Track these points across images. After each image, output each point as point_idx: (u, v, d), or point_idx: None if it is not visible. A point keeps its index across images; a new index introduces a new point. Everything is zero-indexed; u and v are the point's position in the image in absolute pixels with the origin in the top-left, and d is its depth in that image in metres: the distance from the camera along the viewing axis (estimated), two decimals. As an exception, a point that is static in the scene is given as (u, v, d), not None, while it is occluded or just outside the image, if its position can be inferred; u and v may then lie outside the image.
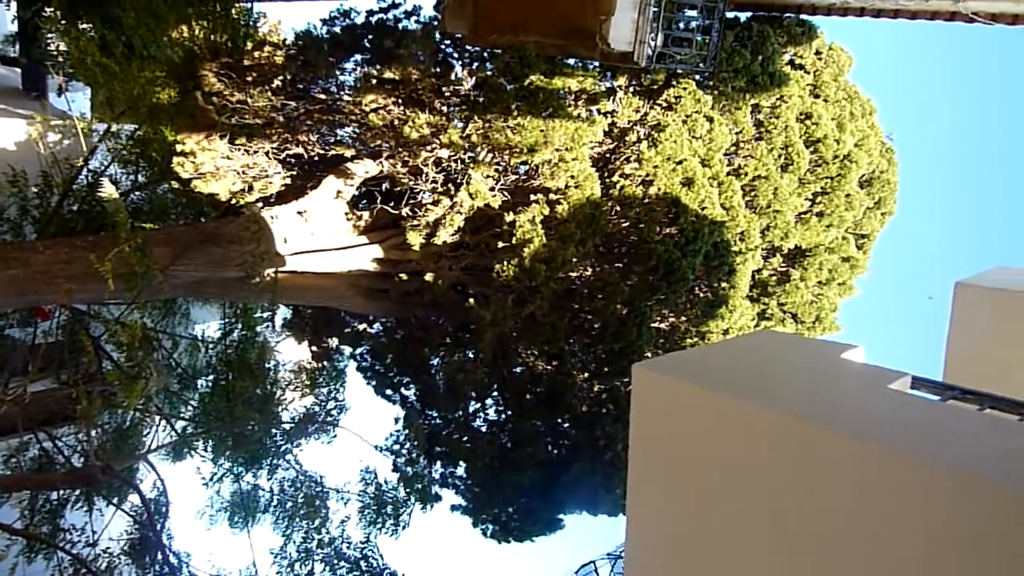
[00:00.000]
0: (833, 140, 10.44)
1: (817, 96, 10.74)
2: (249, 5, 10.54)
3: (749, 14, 10.33)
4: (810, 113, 10.36)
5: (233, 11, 9.52)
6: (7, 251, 7.76)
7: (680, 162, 9.07)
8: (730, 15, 9.64)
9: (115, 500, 9.52)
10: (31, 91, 17.55)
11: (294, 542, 9.89)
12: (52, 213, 9.79)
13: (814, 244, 10.84)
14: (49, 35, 14.24)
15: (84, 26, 10.98)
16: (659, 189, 9.00)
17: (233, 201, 9.47)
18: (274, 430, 10.27)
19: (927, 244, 31.82)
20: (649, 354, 9.42)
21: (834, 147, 10.46)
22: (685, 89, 9.20)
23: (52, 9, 12.05)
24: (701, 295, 10.04)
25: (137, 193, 11.17)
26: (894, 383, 3.44)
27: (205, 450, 10.52)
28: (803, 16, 10.47)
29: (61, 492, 9.51)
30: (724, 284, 9.77)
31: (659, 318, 9.99)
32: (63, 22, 11.32)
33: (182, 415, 11.10)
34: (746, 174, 9.93)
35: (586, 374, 10.27)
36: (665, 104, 9.30)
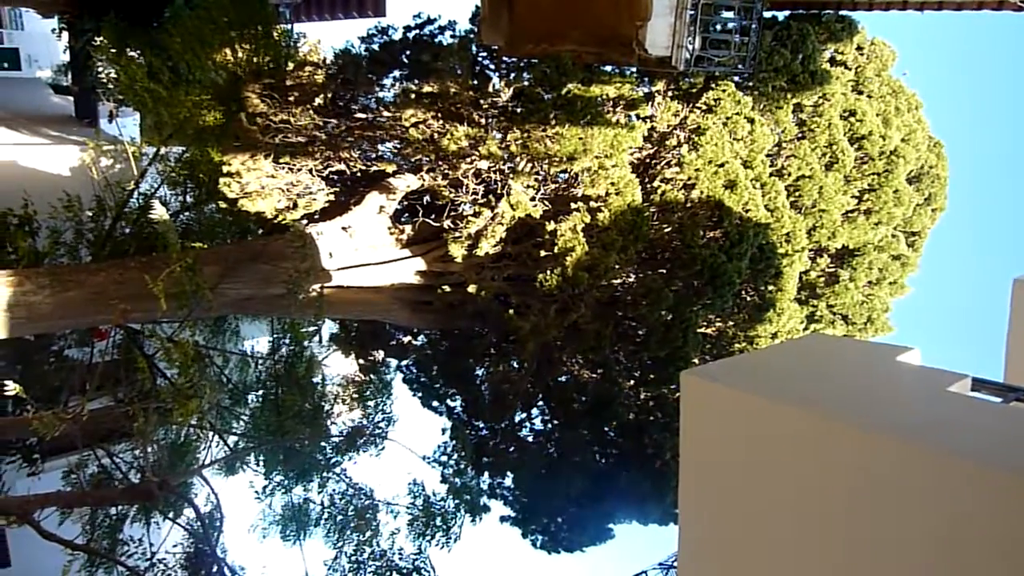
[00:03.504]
0: (878, 136, 10.22)
1: (860, 92, 10.53)
2: (290, 26, 10.76)
3: (787, 13, 10.19)
4: (854, 110, 10.16)
5: (274, 33, 9.72)
6: (64, 274, 8.00)
7: (722, 165, 8.97)
8: (768, 15, 9.52)
9: (171, 514, 9.70)
10: (83, 118, 18.18)
11: (346, 554, 9.95)
12: (106, 236, 10.07)
13: (862, 243, 10.60)
14: (99, 63, 14.72)
15: (132, 53, 11.33)
16: (701, 193, 8.91)
17: (279, 219, 9.63)
18: (323, 443, 10.38)
19: (982, 239, 30.86)
20: (696, 360, 9.31)
21: (880, 143, 10.23)
22: (724, 91, 9.11)
23: (102, 38, 12.47)
24: (748, 299, 9.89)
25: (186, 214, 11.44)
26: (953, 386, 3.33)
27: (257, 464, 10.68)
28: (843, 12, 10.28)
29: (120, 507, 9.74)
30: (771, 287, 9.61)
31: (705, 323, 9.86)
32: (112, 50, 11.70)
33: (234, 430, 11.29)
34: (790, 174, 9.78)
35: (632, 382, 10.18)
36: (704, 107, 9.21)
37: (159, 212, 8.64)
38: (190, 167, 10.97)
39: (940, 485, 2.62)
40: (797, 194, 9.86)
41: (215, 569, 8.94)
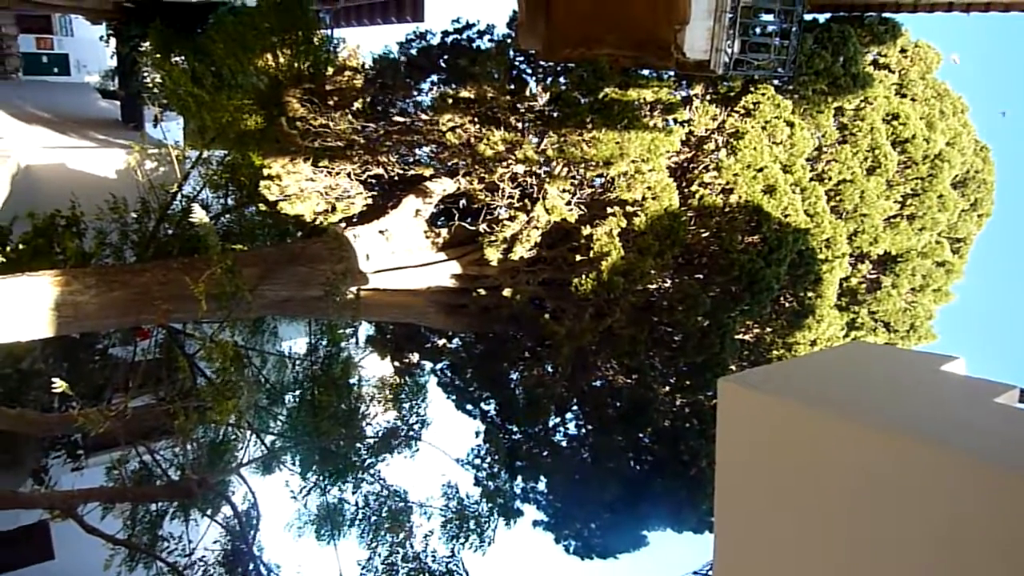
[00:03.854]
0: (922, 140, 10.01)
1: (904, 95, 10.34)
2: (329, 32, 10.89)
3: (828, 15, 10.04)
4: (897, 113, 9.98)
5: (315, 38, 9.86)
6: (110, 274, 8.19)
7: (761, 169, 8.87)
8: (808, 17, 9.39)
9: (209, 512, 9.87)
10: (129, 122, 18.64)
11: (379, 555, 10.03)
12: (150, 237, 10.29)
13: (905, 249, 10.39)
14: (145, 68, 15.07)
15: (176, 59, 11.58)
16: (739, 197, 8.81)
17: (317, 221, 9.75)
18: (359, 444, 10.48)
19: (1029, 247, 29.98)
20: (733, 367, 9.20)
21: (924, 147, 10.03)
22: (763, 95, 9.00)
23: (148, 44, 12.77)
24: (786, 305, 9.75)
25: (227, 216, 11.64)
26: (1001, 397, 3.24)
27: (293, 464, 10.82)
28: (886, 14, 10.10)
29: (160, 504, 9.94)
30: (810, 293, 9.47)
31: (743, 330, 9.75)
32: (158, 56, 11.97)
33: (271, 430, 11.45)
34: (830, 179, 9.63)
35: (667, 388, 10.10)
36: (743, 111, 9.12)
37: (200, 215, 8.81)
38: (231, 170, 11.17)
39: (987, 498, 2.56)
40: (838, 199, 9.71)
41: (252, 567, 9.08)
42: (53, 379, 6.78)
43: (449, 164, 9.60)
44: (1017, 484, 2.51)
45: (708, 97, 9.37)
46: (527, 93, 9.13)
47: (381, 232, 9.50)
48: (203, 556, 9.70)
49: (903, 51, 10.44)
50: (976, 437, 2.89)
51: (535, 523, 11.46)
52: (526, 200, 9.24)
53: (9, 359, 10.04)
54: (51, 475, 11.46)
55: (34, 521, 12.56)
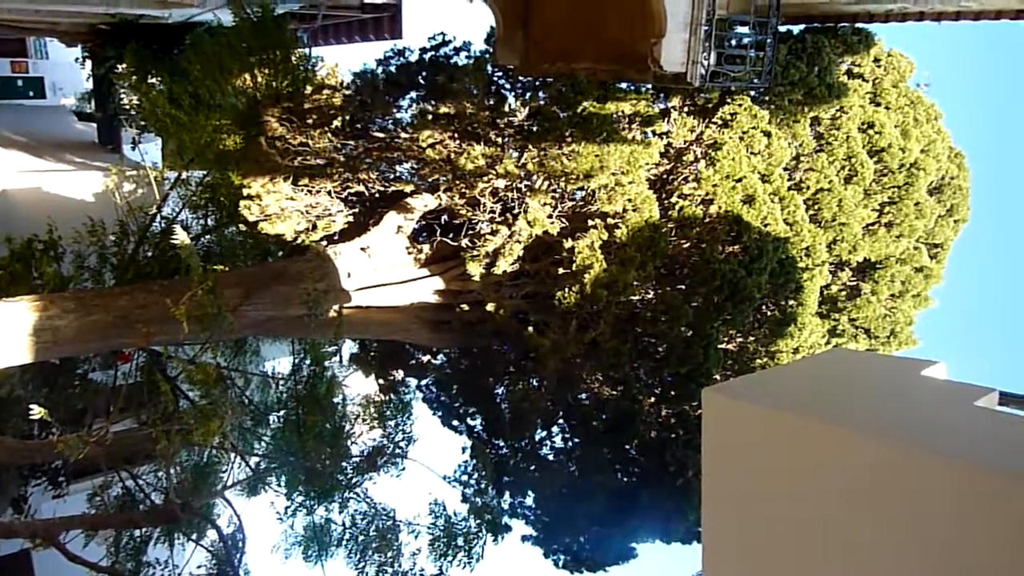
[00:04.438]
0: (898, 148, 10.15)
1: (878, 104, 10.48)
2: (307, 50, 10.89)
3: (803, 27, 10.19)
4: (872, 122, 10.12)
5: (293, 57, 9.85)
6: (89, 298, 8.10)
7: (739, 179, 8.95)
8: (783, 29, 9.51)
9: (194, 536, 9.75)
10: (107, 144, 18.51)
11: (367, 575, 9.94)
12: (129, 260, 10.20)
13: (884, 256, 10.51)
14: (122, 90, 14.99)
15: (153, 80, 11.54)
16: (719, 208, 8.88)
17: (298, 240, 9.72)
18: (344, 464, 10.38)
19: (1006, 250, 30.45)
20: (717, 376, 9.24)
21: (899, 155, 10.17)
22: (740, 105, 9.10)
23: (124, 66, 12.71)
24: (768, 314, 9.82)
25: (207, 236, 11.57)
26: (980, 400, 3.27)
27: (278, 485, 10.71)
28: (859, 24, 10.26)
29: (144, 529, 9.80)
30: (792, 301, 9.54)
31: (726, 339, 9.80)
32: (134, 77, 11.92)
33: (256, 451, 11.33)
34: (808, 188, 9.73)
35: (653, 399, 10.12)
36: (721, 122, 9.21)
37: (181, 236, 8.74)
38: (211, 191, 11.11)
39: (968, 500, 2.57)
40: (816, 208, 9.81)
41: (238, 591, 8.96)
42: (31, 406, 6.68)
43: (430, 180, 9.61)
44: (997, 485, 2.53)
45: (686, 109, 9.46)
46: (506, 108, 9.18)
47: (363, 249, 9.48)
48: (188, 581, 9.57)
49: (876, 60, 10.60)
50: (957, 440, 2.91)
51: (523, 538, 11.41)
52: (508, 214, 9.26)
53: (-13, 386, 9.89)
54: (32, 503, 11.25)
55: (16, 550, 12.35)
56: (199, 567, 9.79)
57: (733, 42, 8.75)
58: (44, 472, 11.35)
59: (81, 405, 10.84)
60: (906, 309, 11.22)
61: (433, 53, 9.94)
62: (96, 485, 10.37)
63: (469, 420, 11.90)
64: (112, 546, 9.57)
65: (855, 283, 10.78)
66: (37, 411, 6.52)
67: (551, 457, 11.40)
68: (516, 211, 9.11)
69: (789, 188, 9.48)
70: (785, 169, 9.54)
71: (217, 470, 10.94)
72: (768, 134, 9.20)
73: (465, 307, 9.74)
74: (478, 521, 9.97)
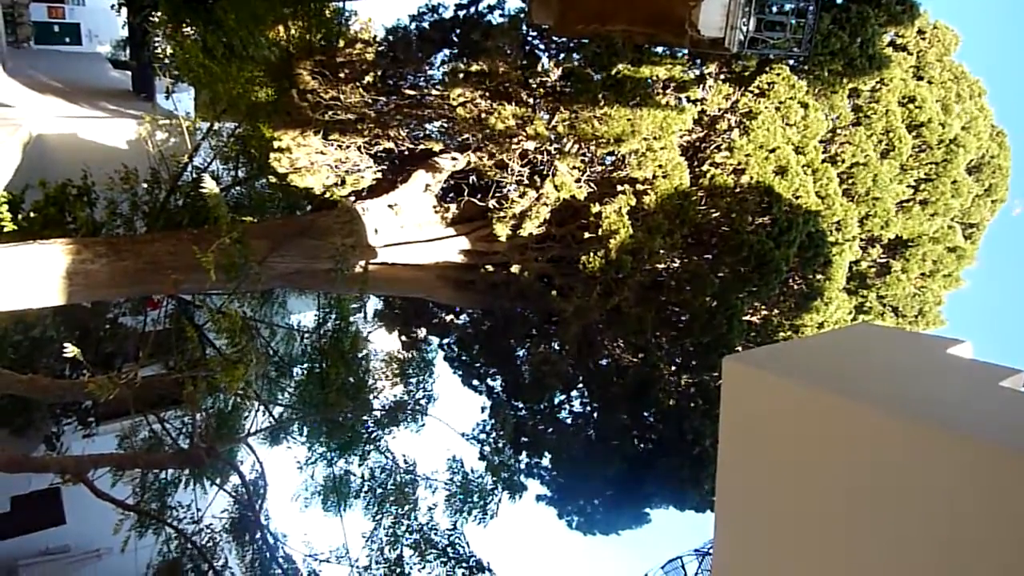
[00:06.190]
0: (938, 124, 9.90)
1: (920, 78, 10.21)
2: (341, 4, 10.82)
3: (847, -6, 9.90)
4: (913, 96, 9.86)
5: (327, 10, 9.80)
6: (120, 244, 8.23)
7: (773, 150, 8.80)
8: (826, -4, 9.27)
9: (218, 480, 10.00)
10: (141, 93, 18.63)
11: (384, 527, 10.15)
12: (160, 208, 10.33)
13: (917, 234, 10.32)
14: (156, 39, 15.02)
15: (188, 30, 11.54)
16: (751, 178, 8.76)
17: (327, 195, 9.76)
18: (366, 417, 10.56)
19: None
20: (740, 348, 9.19)
21: (939, 131, 9.92)
22: (778, 75, 8.91)
23: (159, 14, 12.72)
24: (795, 287, 9.72)
25: (237, 188, 11.66)
26: (1006, 380, 3.24)
27: (300, 435, 10.93)
28: (905, -6, 9.96)
29: (169, 472, 10.07)
30: (819, 276, 9.43)
31: (750, 311, 9.73)
32: (169, 26, 11.93)
33: (279, 401, 11.55)
34: (843, 161, 9.55)
35: (673, 367, 10.12)
36: (757, 91, 9.03)
37: (210, 186, 8.82)
38: (242, 142, 11.17)
39: (989, 479, 2.57)
40: (850, 182, 9.63)
41: (258, 535, 9.21)
42: (64, 345, 6.84)
43: (459, 139, 9.57)
44: (1019, 465, 2.52)
45: (722, 76, 9.28)
46: (539, 68, 9.07)
47: (390, 206, 9.51)
48: (211, 524, 9.84)
49: (921, 32, 10.30)
50: (980, 419, 2.89)
51: (538, 498, 11.56)
52: (536, 177, 9.21)
53: (20, 326, 10.14)
54: (63, 441, 11.61)
55: (46, 486, 12.76)
56: (222, 511, 10.07)
57: (774, 8, 8.54)
58: (75, 412, 11.68)
59: (111, 349, 11.10)
60: (936, 289, 11.04)
61: (468, 10, 9.82)
62: (125, 427, 10.64)
63: (490, 380, 12.00)
64: (138, 486, 9.86)
65: (885, 260, 10.61)
66: (70, 349, 6.67)
67: (569, 421, 11.49)
68: (544, 174, 9.06)
69: (823, 161, 9.31)
70: (820, 141, 9.35)
71: (241, 418, 11.17)
72: (805, 105, 9.01)
73: (490, 268, 9.75)
74: (495, 478, 10.12)
